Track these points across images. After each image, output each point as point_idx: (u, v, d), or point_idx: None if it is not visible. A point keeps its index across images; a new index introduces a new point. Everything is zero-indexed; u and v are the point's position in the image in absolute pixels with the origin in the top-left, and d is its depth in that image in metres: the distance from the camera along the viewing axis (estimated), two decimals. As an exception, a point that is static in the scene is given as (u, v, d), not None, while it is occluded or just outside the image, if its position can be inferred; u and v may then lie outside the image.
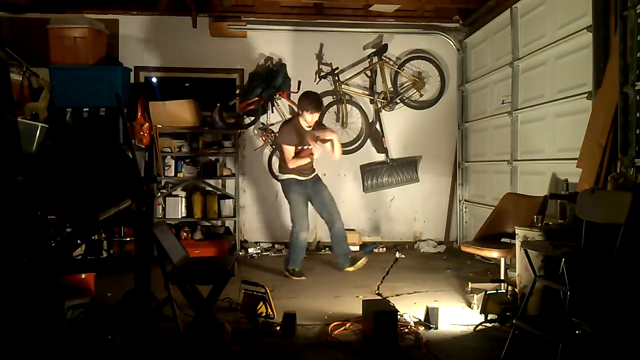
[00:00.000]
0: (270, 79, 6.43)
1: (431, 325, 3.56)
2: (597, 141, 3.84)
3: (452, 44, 6.95)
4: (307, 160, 5.08)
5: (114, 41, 6.47)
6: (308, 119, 5.05)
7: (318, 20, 6.80)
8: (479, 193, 6.57)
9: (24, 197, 2.32)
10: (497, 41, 6.04)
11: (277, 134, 5.77)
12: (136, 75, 6.62)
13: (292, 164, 5.04)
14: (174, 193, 6.52)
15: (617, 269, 2.88)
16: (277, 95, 6.53)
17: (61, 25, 5.84)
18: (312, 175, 5.22)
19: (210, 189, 6.62)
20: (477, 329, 3.55)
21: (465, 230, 6.84)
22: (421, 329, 3.52)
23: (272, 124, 6.60)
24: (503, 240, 4.23)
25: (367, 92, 6.84)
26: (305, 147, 5.09)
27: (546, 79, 4.96)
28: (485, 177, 6.44)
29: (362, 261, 5.32)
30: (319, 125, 5.31)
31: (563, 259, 2.82)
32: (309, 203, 5.24)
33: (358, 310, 3.66)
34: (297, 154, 5.08)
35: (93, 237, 5.40)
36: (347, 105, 6.72)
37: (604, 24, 3.97)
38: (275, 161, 6.65)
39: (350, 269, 5.25)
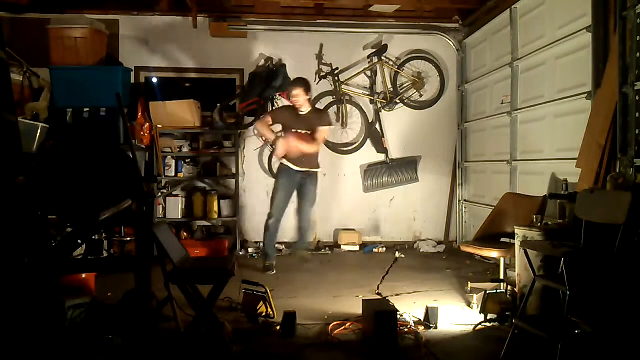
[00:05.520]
0: (270, 79, 6.43)
1: (431, 325, 3.56)
2: (596, 141, 3.84)
3: (452, 44, 6.95)
4: (300, 146, 5.15)
5: (114, 41, 6.48)
6: (293, 102, 5.28)
7: (318, 21, 6.81)
8: (479, 193, 6.58)
9: (24, 197, 2.32)
10: (497, 41, 6.05)
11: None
12: (136, 76, 6.62)
13: (258, 127, 5.69)
14: (174, 193, 6.53)
15: (617, 269, 2.88)
16: (277, 96, 6.53)
17: (61, 25, 5.84)
18: (308, 169, 5.27)
19: (210, 189, 6.63)
20: (477, 328, 3.56)
21: (465, 230, 6.84)
22: (421, 328, 3.52)
23: (272, 125, 6.59)
24: (503, 240, 4.23)
25: (367, 93, 6.85)
26: (300, 131, 5.20)
27: (546, 79, 4.97)
28: (484, 177, 6.45)
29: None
30: (316, 110, 5.52)
31: (562, 259, 2.82)
32: (296, 195, 5.40)
33: (358, 310, 3.67)
34: (284, 133, 5.27)
35: (94, 237, 5.40)
36: (347, 105, 6.73)
37: (603, 24, 3.98)
38: (276, 162, 6.67)
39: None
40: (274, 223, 5.29)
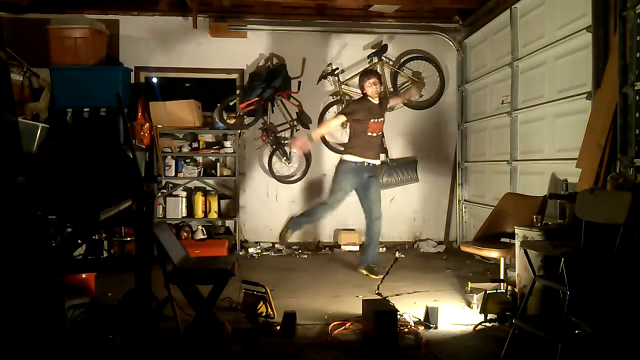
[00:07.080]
0: (271, 79, 6.43)
1: (431, 325, 3.56)
2: (596, 141, 3.84)
3: (452, 45, 6.95)
4: (373, 134, 5.11)
5: (114, 41, 6.48)
6: (369, 91, 5.13)
7: (318, 21, 6.81)
8: (479, 193, 6.58)
9: (24, 197, 2.32)
10: (497, 41, 6.05)
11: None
12: (136, 76, 6.62)
13: (321, 129, 5.71)
14: (174, 193, 6.54)
15: (617, 268, 2.88)
16: (277, 96, 6.53)
17: (62, 25, 5.85)
18: (375, 161, 5.18)
19: (211, 189, 6.64)
20: (477, 328, 3.55)
21: (465, 230, 6.84)
22: (421, 328, 3.52)
23: (273, 124, 6.61)
24: (503, 240, 4.23)
25: (367, 92, 6.84)
26: (375, 120, 5.11)
27: (546, 79, 4.97)
28: (484, 177, 6.45)
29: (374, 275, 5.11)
30: (385, 97, 5.73)
31: (563, 259, 2.82)
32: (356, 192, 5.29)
33: (358, 309, 3.66)
34: (363, 130, 5.09)
35: (94, 237, 5.40)
36: (347, 105, 6.73)
37: (603, 25, 3.98)
38: (276, 161, 6.68)
39: (363, 272, 5.18)
40: (367, 224, 5.25)
